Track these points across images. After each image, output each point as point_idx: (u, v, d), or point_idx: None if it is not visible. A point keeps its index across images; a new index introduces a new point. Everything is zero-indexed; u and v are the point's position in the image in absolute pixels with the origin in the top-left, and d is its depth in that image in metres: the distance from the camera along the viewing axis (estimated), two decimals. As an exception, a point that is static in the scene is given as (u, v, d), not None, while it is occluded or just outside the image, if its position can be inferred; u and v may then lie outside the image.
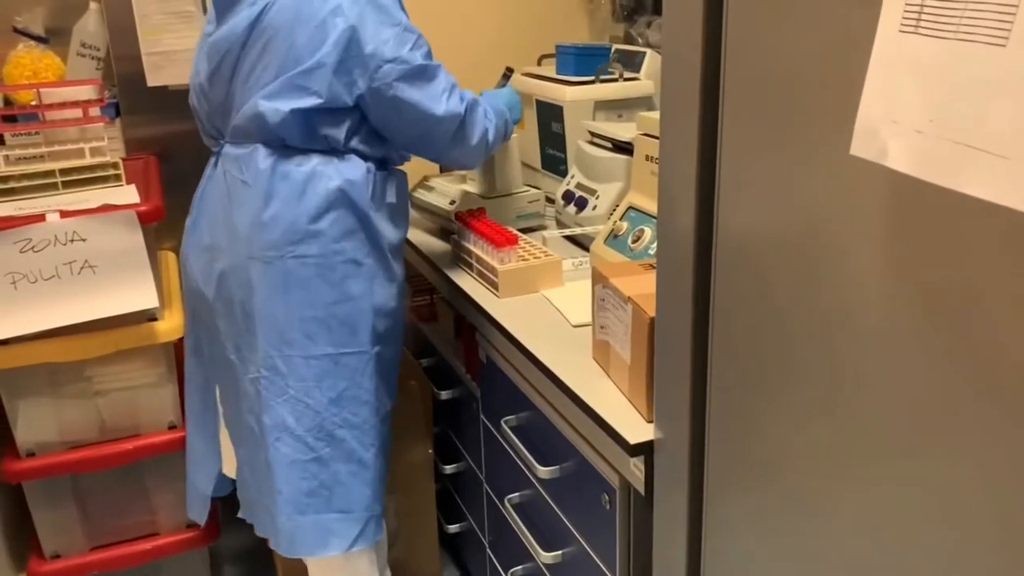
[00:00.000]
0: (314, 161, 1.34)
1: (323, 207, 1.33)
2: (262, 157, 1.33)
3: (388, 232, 1.41)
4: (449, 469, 1.79)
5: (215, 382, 1.52)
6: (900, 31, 0.53)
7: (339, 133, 1.34)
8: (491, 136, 1.49)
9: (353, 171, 1.35)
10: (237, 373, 1.42)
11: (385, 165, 1.43)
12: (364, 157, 1.38)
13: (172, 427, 1.70)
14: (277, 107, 1.30)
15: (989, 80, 0.46)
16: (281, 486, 1.38)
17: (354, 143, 1.36)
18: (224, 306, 1.40)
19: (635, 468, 1.03)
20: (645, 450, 1.01)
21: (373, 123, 1.37)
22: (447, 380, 1.75)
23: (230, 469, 1.56)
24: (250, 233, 1.34)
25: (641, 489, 1.03)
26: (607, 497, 1.13)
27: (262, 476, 1.43)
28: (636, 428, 1.05)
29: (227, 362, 1.44)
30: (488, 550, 1.69)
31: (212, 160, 1.46)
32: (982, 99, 0.47)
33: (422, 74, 1.34)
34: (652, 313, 0.99)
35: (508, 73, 1.86)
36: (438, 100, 1.36)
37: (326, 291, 1.36)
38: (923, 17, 0.51)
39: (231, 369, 1.43)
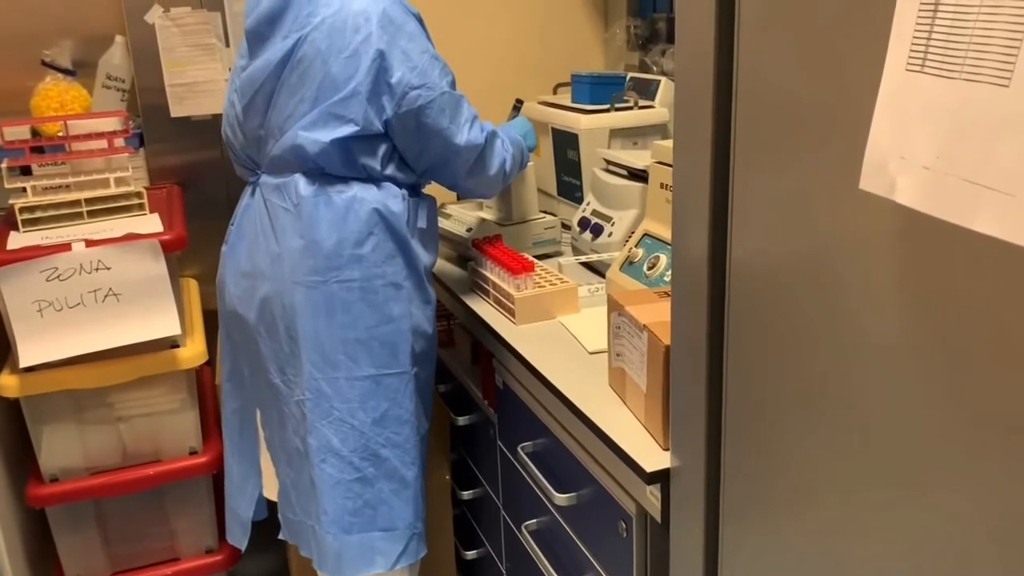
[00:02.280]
0: (354, 188, 1.37)
1: (365, 232, 1.37)
2: (303, 185, 1.37)
3: (423, 256, 1.45)
4: (466, 495, 1.80)
5: (255, 406, 1.54)
6: (907, 69, 0.54)
7: (376, 161, 1.37)
8: (508, 166, 1.52)
9: (391, 197, 1.39)
10: (282, 396, 1.45)
11: (416, 191, 1.47)
12: (398, 184, 1.41)
13: (193, 453, 1.72)
14: (317, 138, 1.33)
15: (994, 119, 0.48)
16: (327, 506, 1.40)
17: (390, 170, 1.39)
18: (267, 330, 1.43)
19: (651, 496, 1.04)
20: (661, 478, 1.02)
21: (397, 147, 1.40)
22: (464, 406, 1.76)
23: (271, 492, 1.57)
24: (294, 258, 1.37)
25: (658, 517, 1.03)
26: (624, 524, 1.13)
27: (307, 497, 1.45)
28: (652, 456, 1.05)
29: (271, 386, 1.46)
30: (505, 576, 1.69)
31: (248, 189, 1.49)
32: (988, 137, 0.48)
33: (447, 103, 1.37)
34: (667, 341, 1.00)
35: (518, 105, 1.89)
36: (460, 129, 1.40)
37: (368, 314, 1.38)
38: (929, 56, 0.52)
39: (275, 392, 1.46)
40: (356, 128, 1.33)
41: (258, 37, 1.40)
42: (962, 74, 0.49)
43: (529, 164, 1.74)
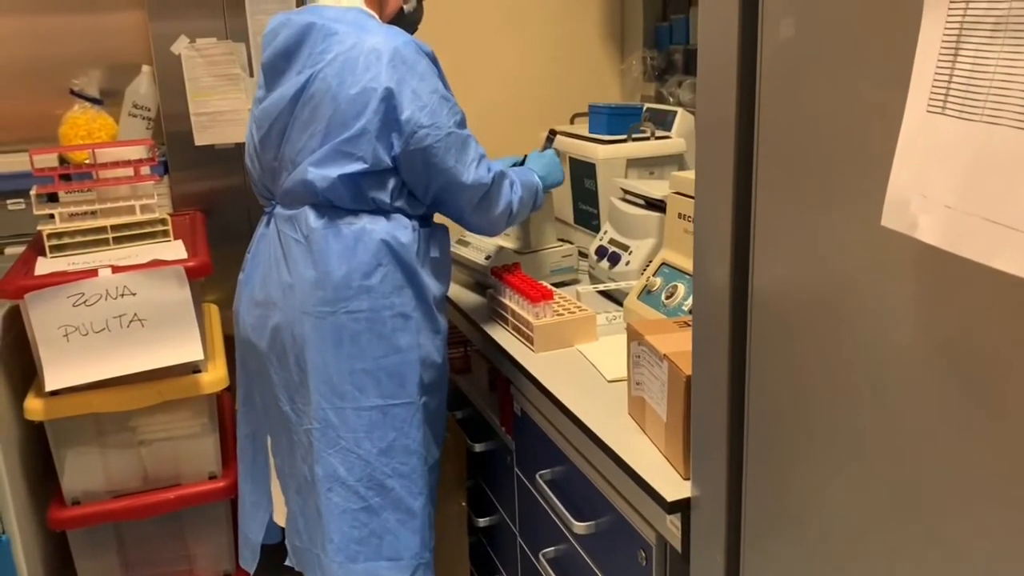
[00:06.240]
0: (363, 220, 1.39)
1: (373, 264, 1.38)
2: (313, 217, 1.39)
3: (433, 286, 1.46)
4: (483, 522, 1.80)
5: (266, 432, 1.56)
6: (928, 111, 0.56)
7: (385, 195, 1.39)
8: (515, 208, 1.53)
9: (400, 229, 1.41)
10: (292, 424, 1.46)
11: (427, 222, 1.48)
12: (408, 215, 1.43)
13: (212, 477, 1.74)
14: (325, 174, 1.35)
15: (1015, 161, 0.49)
16: (332, 534, 1.41)
17: (399, 203, 1.41)
18: (278, 359, 1.45)
19: (671, 525, 1.04)
20: (682, 507, 1.02)
21: (405, 181, 1.42)
22: (481, 432, 1.77)
23: (281, 518, 1.58)
24: (304, 289, 1.39)
25: (678, 546, 1.03)
26: (643, 554, 1.13)
27: (313, 524, 1.46)
28: (673, 485, 1.05)
29: (281, 413, 1.47)
30: (522, 604, 1.69)
31: (264, 219, 1.52)
32: (1009, 178, 0.49)
33: (453, 142, 1.39)
34: (688, 371, 1.01)
35: (552, 136, 1.90)
36: (466, 168, 1.41)
37: (376, 344, 1.40)
38: (949, 99, 0.54)
39: (285, 420, 1.47)
40: (365, 165, 1.35)
41: (274, 71, 1.43)
42: (983, 116, 0.51)
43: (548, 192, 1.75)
